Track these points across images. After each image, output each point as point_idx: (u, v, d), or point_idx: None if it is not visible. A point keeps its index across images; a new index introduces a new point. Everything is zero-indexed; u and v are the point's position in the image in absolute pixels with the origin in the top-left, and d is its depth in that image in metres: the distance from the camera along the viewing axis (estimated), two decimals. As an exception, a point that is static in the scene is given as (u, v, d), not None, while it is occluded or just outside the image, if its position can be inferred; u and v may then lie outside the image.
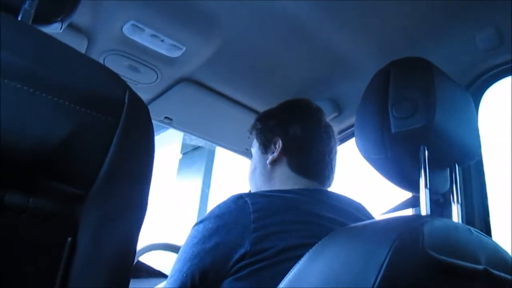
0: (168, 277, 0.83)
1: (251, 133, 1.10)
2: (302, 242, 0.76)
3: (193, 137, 1.72)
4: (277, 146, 1.00)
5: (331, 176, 1.02)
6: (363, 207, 0.99)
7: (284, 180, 0.99)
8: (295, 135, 1.00)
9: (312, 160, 0.99)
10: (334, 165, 1.04)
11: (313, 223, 0.83)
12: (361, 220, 0.90)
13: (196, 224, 0.84)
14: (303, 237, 0.79)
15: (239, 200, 0.83)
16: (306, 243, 0.68)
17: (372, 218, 0.97)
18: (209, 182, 4.35)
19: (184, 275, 0.79)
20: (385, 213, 0.85)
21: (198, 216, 4.14)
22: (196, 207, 4.22)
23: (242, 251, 0.76)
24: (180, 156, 4.83)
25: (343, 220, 0.88)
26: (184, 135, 4.35)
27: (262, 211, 0.80)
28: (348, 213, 0.91)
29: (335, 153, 1.05)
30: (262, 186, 1.03)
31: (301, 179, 0.98)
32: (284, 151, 1.00)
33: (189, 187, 4.48)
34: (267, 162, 1.01)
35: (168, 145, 4.68)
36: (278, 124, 1.03)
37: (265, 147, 1.03)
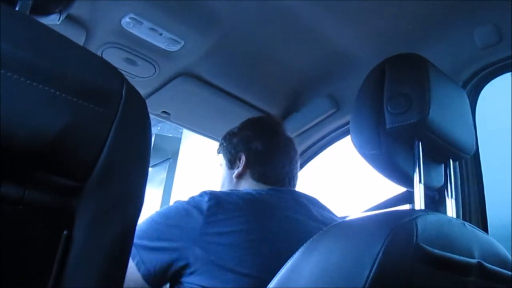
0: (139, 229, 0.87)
1: (218, 152, 1.19)
2: (250, 227, 0.85)
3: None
4: (241, 161, 1.10)
5: (292, 183, 1.11)
6: (317, 200, 1.06)
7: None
8: (257, 149, 1.09)
9: (273, 170, 1.08)
10: (295, 174, 1.13)
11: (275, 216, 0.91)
12: (311, 211, 0.98)
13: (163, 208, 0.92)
14: (251, 221, 0.86)
15: (201, 193, 0.91)
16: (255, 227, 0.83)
17: (327, 209, 1.04)
18: (170, 192, 4.81)
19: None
20: (378, 206, 0.85)
21: None
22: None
23: (194, 241, 0.83)
24: (150, 169, 5.17)
25: (297, 207, 0.97)
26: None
27: (216, 199, 0.88)
28: (302, 204, 0.99)
29: (296, 162, 1.14)
30: None
31: (262, 186, 1.07)
32: (247, 165, 1.09)
33: (152, 195, 4.90)
34: (233, 176, 1.10)
35: None
36: (241, 141, 1.13)
37: (231, 163, 1.12)
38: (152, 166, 5.23)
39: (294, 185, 1.12)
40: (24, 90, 0.40)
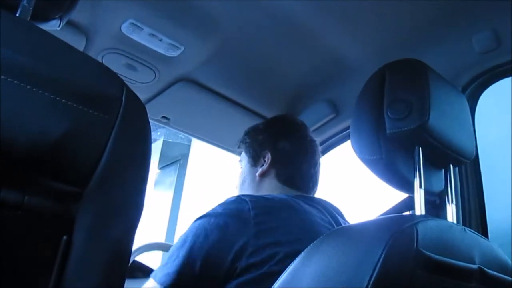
0: (164, 264, 0.84)
1: (239, 147, 1.15)
2: (299, 237, 0.81)
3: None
4: (266, 159, 1.06)
5: (315, 187, 1.09)
6: (341, 212, 1.04)
7: (272, 190, 1.04)
8: (284, 149, 1.07)
9: (299, 172, 1.06)
10: (318, 177, 1.11)
11: (307, 220, 0.88)
12: (341, 223, 0.96)
13: (198, 219, 0.86)
14: (300, 232, 0.83)
15: (239, 200, 0.86)
16: (302, 238, 0.78)
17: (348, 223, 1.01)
18: (180, 194, 4.70)
19: (184, 263, 0.80)
20: (382, 215, 0.85)
21: (168, 225, 4.41)
22: (167, 216, 4.53)
23: (242, 242, 0.79)
24: (158, 171, 5.20)
25: (330, 219, 0.94)
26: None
27: (260, 208, 0.84)
28: (332, 215, 0.97)
29: (319, 165, 1.12)
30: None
31: (287, 189, 1.04)
32: (272, 164, 1.06)
33: (162, 198, 4.80)
34: (257, 174, 1.07)
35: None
36: (268, 139, 1.09)
37: (255, 160, 1.09)
38: (161, 168, 5.12)
39: (316, 190, 1.10)
40: (24, 95, 0.40)
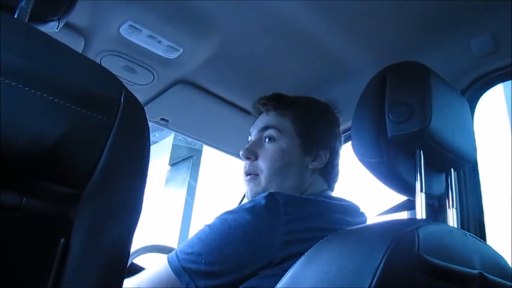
0: (187, 249, 0.78)
1: (281, 109, 0.99)
2: None
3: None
4: (323, 156, 0.98)
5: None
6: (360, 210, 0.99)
7: (316, 188, 0.98)
8: (337, 151, 1.03)
9: (337, 174, 1.04)
10: None
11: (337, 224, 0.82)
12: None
13: (225, 213, 0.79)
14: None
15: (271, 201, 0.77)
16: None
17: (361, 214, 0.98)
18: (194, 192, 4.45)
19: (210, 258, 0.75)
20: (380, 214, 0.85)
21: (182, 227, 4.21)
22: (180, 216, 4.34)
23: (268, 258, 0.73)
24: (169, 167, 4.97)
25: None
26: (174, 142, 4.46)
27: (293, 214, 0.77)
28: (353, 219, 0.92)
29: None
30: (289, 188, 0.93)
31: (328, 191, 1.01)
32: (326, 163, 0.99)
33: (174, 196, 4.59)
34: (309, 167, 0.96)
35: (157, 157, 4.81)
36: (327, 134, 1.01)
37: (308, 149, 0.96)
38: (173, 165, 4.86)
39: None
40: (22, 97, 0.40)
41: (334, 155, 1.02)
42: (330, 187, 1.02)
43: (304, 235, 0.75)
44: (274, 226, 0.74)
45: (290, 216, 0.76)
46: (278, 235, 0.74)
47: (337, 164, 1.04)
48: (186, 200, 4.44)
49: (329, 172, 1.01)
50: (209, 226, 0.79)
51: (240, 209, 0.78)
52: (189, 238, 0.80)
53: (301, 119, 0.99)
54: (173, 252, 0.80)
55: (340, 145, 1.06)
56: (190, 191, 4.48)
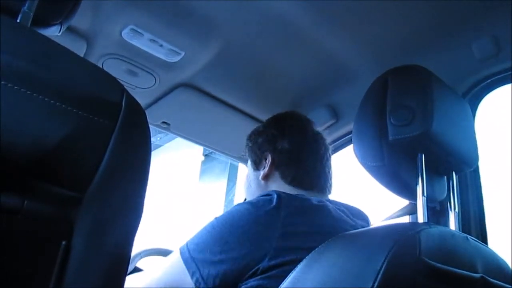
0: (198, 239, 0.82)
1: (245, 153, 1.14)
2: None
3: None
4: (267, 161, 1.04)
5: (328, 183, 1.03)
6: (363, 213, 0.99)
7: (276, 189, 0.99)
8: (283, 148, 1.03)
9: (304, 170, 1.01)
10: (329, 171, 1.05)
11: (337, 227, 0.84)
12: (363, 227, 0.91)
13: (232, 207, 0.85)
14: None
15: (273, 196, 0.82)
16: None
17: (361, 216, 0.98)
18: (234, 184, 4.16)
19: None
20: (383, 220, 0.85)
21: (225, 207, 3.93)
22: (222, 206, 4.03)
23: (266, 248, 0.76)
24: (202, 158, 4.64)
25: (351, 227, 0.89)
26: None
27: (292, 208, 0.81)
28: (355, 222, 0.92)
29: (327, 159, 1.05)
30: None
31: (299, 191, 0.98)
32: (274, 166, 1.03)
33: (212, 190, 4.27)
34: (260, 178, 1.04)
35: (188, 146, 4.42)
36: (266, 140, 1.07)
37: (256, 164, 1.07)
38: (207, 155, 4.41)
39: (330, 185, 1.04)
40: (24, 100, 0.40)
41: (279, 154, 1.03)
42: (301, 186, 0.99)
43: (302, 228, 0.79)
44: (274, 217, 0.78)
45: (290, 209, 0.80)
46: (278, 227, 0.77)
47: (293, 161, 1.01)
48: (227, 193, 4.04)
49: (285, 174, 1.01)
50: (216, 218, 0.84)
51: (245, 202, 0.84)
52: (199, 230, 0.85)
53: (247, 146, 1.12)
54: (184, 243, 0.85)
55: (290, 140, 1.04)
56: (231, 182, 4.09)
